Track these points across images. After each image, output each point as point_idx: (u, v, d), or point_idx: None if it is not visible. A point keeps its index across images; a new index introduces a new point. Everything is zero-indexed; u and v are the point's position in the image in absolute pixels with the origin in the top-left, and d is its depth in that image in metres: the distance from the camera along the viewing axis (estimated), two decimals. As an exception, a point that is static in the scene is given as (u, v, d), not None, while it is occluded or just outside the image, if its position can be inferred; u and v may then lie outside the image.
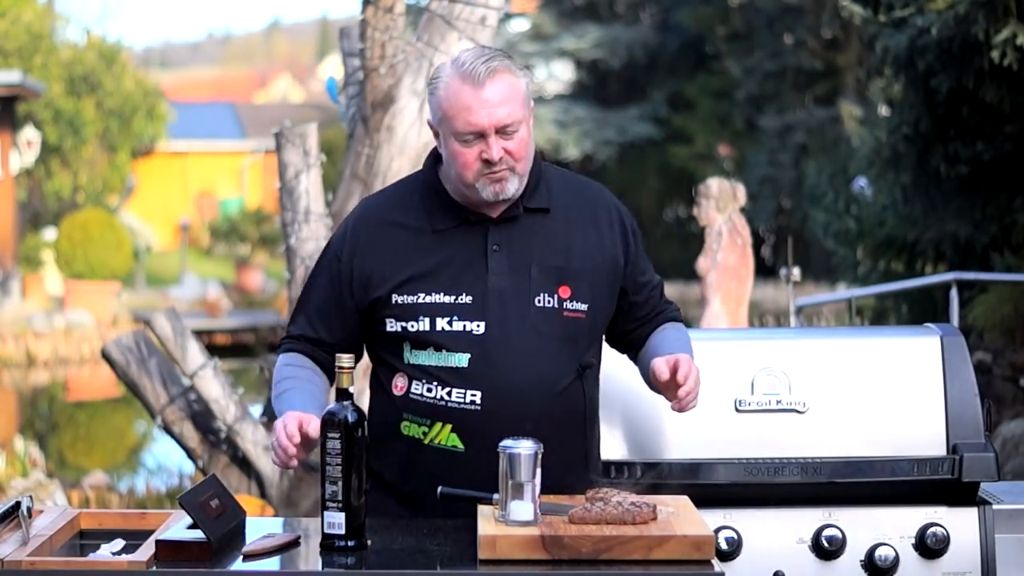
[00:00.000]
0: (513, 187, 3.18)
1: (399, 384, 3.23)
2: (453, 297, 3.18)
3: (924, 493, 3.64)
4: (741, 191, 8.24)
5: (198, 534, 2.91)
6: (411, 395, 3.21)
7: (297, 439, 3.07)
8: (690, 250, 14.48)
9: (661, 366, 3.16)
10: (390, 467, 3.26)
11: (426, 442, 3.20)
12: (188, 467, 9.78)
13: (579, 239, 3.26)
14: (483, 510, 3.00)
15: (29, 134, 26.25)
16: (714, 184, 8.25)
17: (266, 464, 6.87)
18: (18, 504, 3.06)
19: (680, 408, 3.20)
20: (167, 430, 7.00)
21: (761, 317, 14.85)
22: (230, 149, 37.08)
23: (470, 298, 3.17)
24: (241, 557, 2.91)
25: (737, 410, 3.66)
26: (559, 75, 32.97)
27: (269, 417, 7.05)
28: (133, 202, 33.37)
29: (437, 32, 6.86)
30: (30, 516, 3.06)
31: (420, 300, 3.18)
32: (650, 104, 30.91)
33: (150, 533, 3.04)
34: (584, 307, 3.23)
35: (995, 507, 3.62)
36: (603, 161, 31.02)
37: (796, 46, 27.87)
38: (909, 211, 12.03)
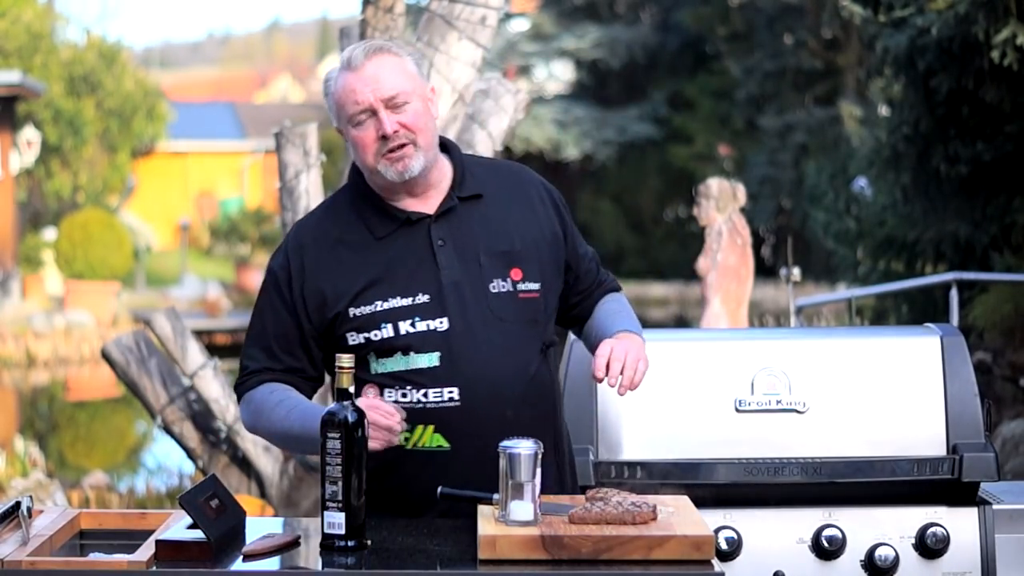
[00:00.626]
0: (417, 164, 3.18)
1: (370, 395, 3.20)
2: (411, 299, 3.17)
3: (924, 493, 3.64)
4: (741, 191, 8.24)
5: (198, 534, 2.91)
6: (386, 402, 3.17)
7: (402, 412, 3.05)
8: (690, 250, 14.48)
9: (596, 365, 3.15)
10: (374, 480, 3.18)
11: (409, 447, 3.18)
12: (188, 467, 9.78)
13: (517, 220, 3.27)
14: (483, 510, 2.99)
15: (29, 134, 26.25)
16: (714, 184, 8.25)
17: (266, 464, 6.87)
18: (18, 504, 3.06)
19: (623, 389, 3.16)
20: (167, 430, 7.00)
21: (761, 317, 14.85)
22: (230, 149, 37.09)
23: (427, 296, 3.17)
24: (241, 557, 2.91)
25: (737, 410, 3.66)
26: (559, 75, 32.97)
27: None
28: (133, 202, 33.38)
29: (437, 32, 6.86)
30: (30, 516, 3.06)
31: (379, 308, 3.17)
32: (650, 104, 30.92)
33: (150, 533, 3.04)
34: (537, 286, 3.25)
35: (995, 507, 3.63)
36: (603, 161, 31.03)
37: (796, 46, 27.87)
38: (909, 211, 12.03)
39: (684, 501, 3.10)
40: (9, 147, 24.74)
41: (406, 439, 3.18)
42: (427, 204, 3.24)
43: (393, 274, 3.19)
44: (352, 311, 3.18)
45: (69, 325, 21.15)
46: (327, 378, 3.36)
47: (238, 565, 2.87)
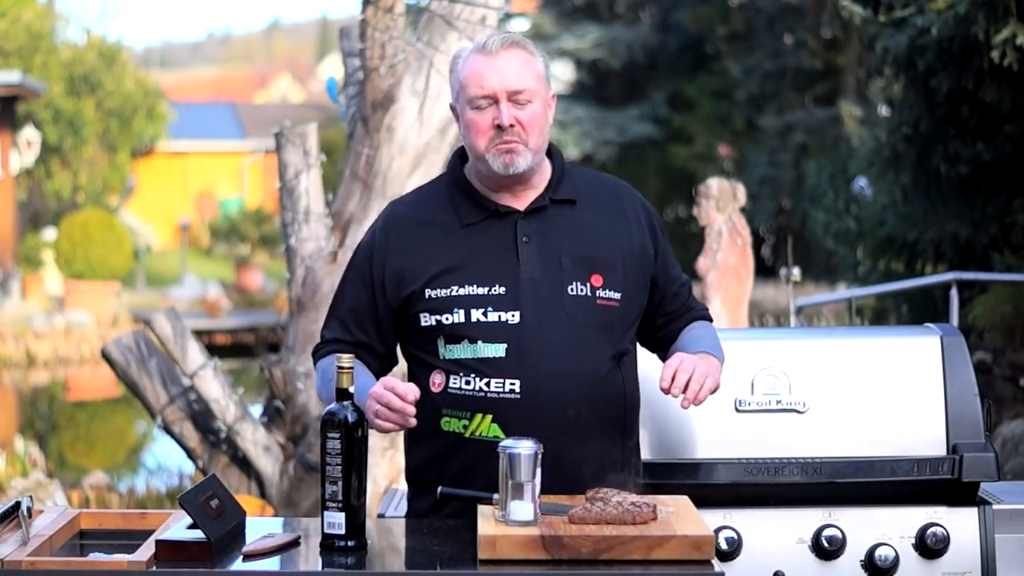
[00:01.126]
0: (524, 162, 3.22)
1: (436, 381, 3.24)
2: (487, 288, 3.21)
3: (924, 493, 3.64)
4: (741, 191, 8.25)
5: (198, 534, 2.91)
6: (449, 390, 3.22)
7: (415, 393, 3.07)
8: (690, 250, 14.46)
9: (663, 375, 3.17)
10: (430, 465, 3.27)
11: (467, 435, 3.21)
12: (188, 467, 9.78)
13: (607, 229, 3.30)
14: (483, 510, 3.00)
15: (29, 134, 26.25)
16: (714, 184, 8.25)
17: (266, 464, 6.87)
18: (18, 504, 3.06)
19: (686, 403, 3.17)
20: (167, 430, 7.00)
21: (761, 317, 14.85)
22: (230, 149, 37.08)
23: (503, 289, 3.20)
24: (241, 557, 2.91)
25: (737, 410, 3.66)
26: (559, 75, 32.95)
27: (269, 417, 7.05)
28: (133, 202, 33.37)
29: (437, 32, 6.86)
30: (30, 516, 3.07)
31: (454, 292, 3.21)
32: (650, 104, 30.90)
33: (150, 533, 3.04)
34: (617, 296, 3.26)
35: (995, 507, 3.63)
36: (603, 161, 31.03)
37: (796, 46, 27.86)
38: (909, 211, 12.03)
39: (684, 501, 3.10)
40: (9, 147, 24.74)
41: (464, 427, 3.21)
42: (519, 201, 3.29)
43: (473, 262, 3.23)
44: (428, 292, 3.23)
45: (69, 325, 21.15)
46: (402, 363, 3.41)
47: (238, 565, 2.87)
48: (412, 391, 3.07)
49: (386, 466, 6.85)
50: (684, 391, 3.14)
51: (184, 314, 8.20)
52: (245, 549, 2.93)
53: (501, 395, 3.18)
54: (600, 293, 3.24)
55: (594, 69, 31.94)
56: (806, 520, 3.62)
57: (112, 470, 11.99)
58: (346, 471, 2.92)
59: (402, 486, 6.77)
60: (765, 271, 21.62)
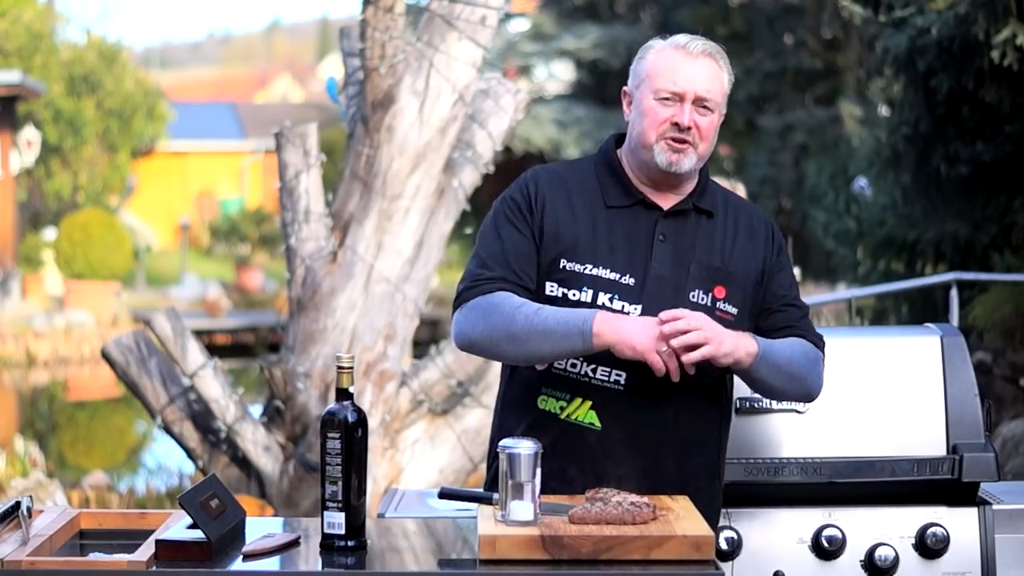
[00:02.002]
0: (688, 164, 3.25)
1: None
2: (618, 275, 3.22)
3: (924, 493, 3.64)
4: (741, 191, 8.24)
5: (198, 534, 2.91)
6: (554, 369, 3.21)
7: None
8: (690, 250, 14.41)
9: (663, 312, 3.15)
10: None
11: (562, 417, 3.21)
12: (188, 467, 9.78)
13: (737, 246, 3.31)
14: (483, 510, 2.99)
15: (29, 134, 26.24)
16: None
17: (266, 464, 6.87)
18: (18, 504, 3.06)
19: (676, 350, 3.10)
20: (167, 430, 7.00)
21: (761, 317, 14.82)
22: (230, 149, 37.07)
23: (632, 280, 3.21)
24: (241, 557, 2.91)
25: (737, 410, 3.66)
26: (559, 75, 32.95)
27: (269, 417, 7.05)
28: (133, 202, 33.36)
29: (437, 32, 6.86)
30: (30, 516, 3.07)
31: (588, 270, 3.22)
32: (650, 104, 30.87)
33: (150, 533, 3.04)
34: (735, 311, 3.27)
35: (995, 507, 3.63)
36: (603, 161, 30.98)
37: (796, 46, 27.86)
38: (909, 211, 12.03)
39: (684, 501, 3.10)
40: (9, 147, 24.73)
41: (561, 408, 3.21)
42: (663, 200, 3.30)
43: (611, 245, 3.24)
44: (563, 262, 3.23)
45: (69, 325, 21.14)
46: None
47: (238, 565, 2.87)
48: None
49: (386, 466, 6.85)
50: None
51: (184, 314, 8.20)
52: (245, 549, 2.93)
53: (605, 384, 3.19)
54: (720, 305, 3.25)
55: (594, 69, 31.93)
56: (806, 520, 3.62)
57: (112, 470, 11.99)
58: (346, 471, 2.92)
59: (402, 486, 6.78)
60: (765, 271, 21.54)
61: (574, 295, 3.21)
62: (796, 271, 8.36)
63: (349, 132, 7.06)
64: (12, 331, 20.63)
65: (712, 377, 3.24)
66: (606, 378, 3.19)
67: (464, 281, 3.26)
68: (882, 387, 3.71)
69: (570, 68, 32.73)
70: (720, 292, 3.26)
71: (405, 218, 6.93)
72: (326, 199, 7.00)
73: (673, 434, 3.21)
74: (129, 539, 3.10)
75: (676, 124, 3.23)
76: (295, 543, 3.01)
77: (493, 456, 3.31)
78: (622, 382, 3.18)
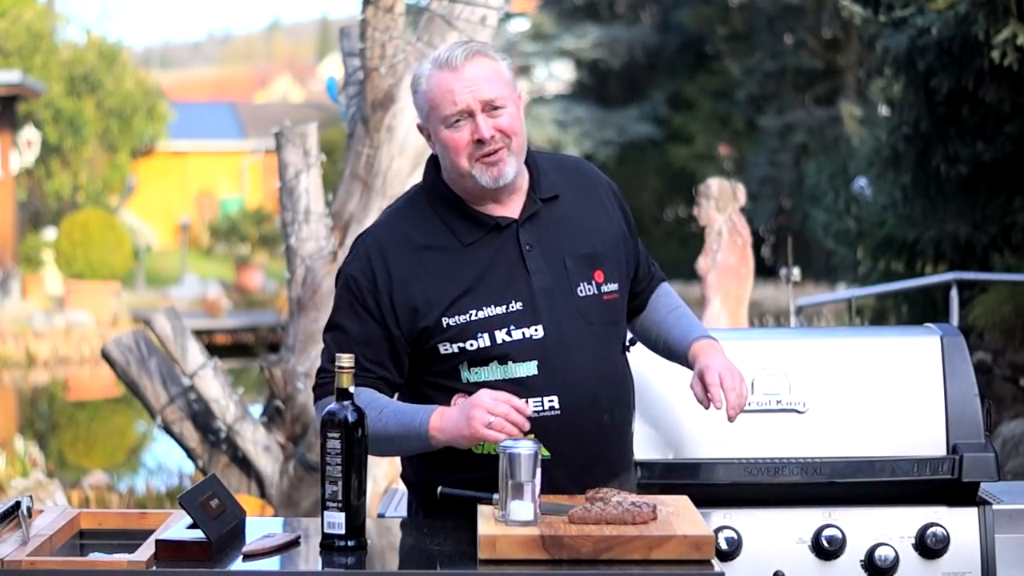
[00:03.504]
0: (511, 170, 3.14)
1: (459, 403, 3.09)
2: (504, 307, 3.12)
3: (924, 493, 3.64)
4: (741, 191, 8.24)
5: (198, 534, 2.91)
6: None
7: (523, 408, 3.00)
8: (690, 250, 14.47)
9: (702, 393, 3.18)
10: (468, 485, 3.12)
11: None
12: (188, 467, 9.78)
13: (593, 220, 3.25)
14: (483, 510, 2.99)
15: (29, 134, 26.24)
16: (714, 184, 8.24)
17: (266, 464, 6.87)
18: (18, 504, 3.06)
19: (733, 413, 3.18)
20: (167, 430, 7.00)
21: (761, 317, 14.85)
22: (230, 149, 37.08)
23: (520, 303, 3.12)
24: (241, 557, 2.91)
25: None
26: (559, 75, 32.96)
27: (269, 417, 7.05)
28: (133, 202, 33.36)
29: (437, 32, 6.86)
30: (30, 516, 3.07)
31: (474, 317, 3.10)
32: (650, 104, 30.90)
33: (150, 533, 3.04)
34: (616, 287, 3.24)
35: (995, 507, 3.62)
36: (603, 161, 31.02)
37: (796, 46, 27.86)
38: (909, 211, 12.03)
39: (684, 501, 3.10)
40: (9, 147, 24.73)
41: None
42: (509, 208, 3.20)
43: (485, 282, 3.12)
44: (446, 320, 3.10)
45: (69, 325, 21.14)
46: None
47: (238, 565, 2.87)
48: (512, 398, 3.00)
49: (386, 466, 6.85)
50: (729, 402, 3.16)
51: (184, 314, 8.20)
52: (245, 549, 2.93)
53: (541, 414, 3.11)
54: (604, 288, 3.21)
55: (594, 69, 31.94)
56: (806, 520, 3.62)
57: (112, 470, 11.99)
58: (346, 471, 2.91)
59: (402, 486, 6.77)
60: (765, 271, 21.62)
61: (471, 345, 3.10)
62: (796, 271, 8.37)
63: (349, 132, 7.06)
64: (12, 331, 20.63)
65: (621, 367, 3.24)
66: (540, 407, 3.11)
67: (317, 374, 3.20)
68: (882, 387, 3.70)
69: (570, 68, 32.74)
70: (599, 276, 3.21)
71: (405, 218, 6.92)
72: (326, 199, 7.00)
73: (612, 435, 3.19)
74: (129, 539, 3.10)
75: (479, 141, 3.10)
76: (295, 543, 3.01)
77: (420, 493, 3.23)
78: (556, 406, 3.12)
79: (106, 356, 7.02)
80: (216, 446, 6.97)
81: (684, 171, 29.59)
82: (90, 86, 28.64)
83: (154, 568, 2.86)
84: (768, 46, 27.95)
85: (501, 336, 3.11)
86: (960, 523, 3.60)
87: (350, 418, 2.93)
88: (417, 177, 7.09)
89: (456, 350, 3.12)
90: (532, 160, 3.26)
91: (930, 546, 3.57)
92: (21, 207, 26.13)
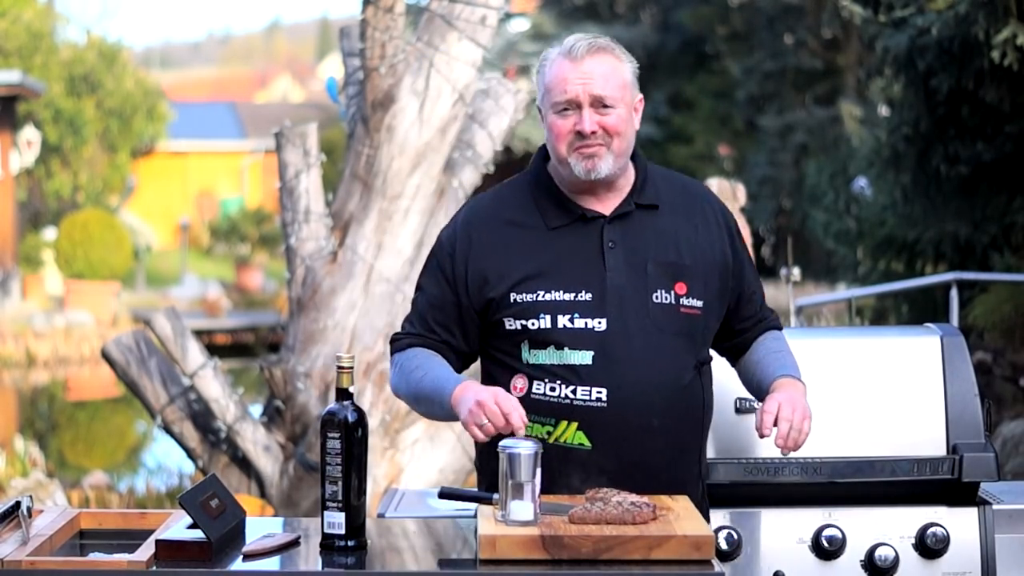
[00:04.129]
0: (606, 166, 3.20)
1: (518, 385, 3.20)
2: (573, 294, 3.18)
3: (924, 493, 3.64)
4: (741, 191, 8.24)
5: (198, 534, 2.91)
6: (532, 395, 3.18)
7: (516, 407, 3.03)
8: (690, 250, 14.40)
9: (759, 420, 3.19)
10: None
11: (551, 441, 3.18)
12: (188, 467, 9.78)
13: (689, 236, 3.29)
14: (483, 510, 2.99)
15: (29, 134, 26.24)
16: (714, 184, 8.23)
17: (266, 464, 6.87)
18: (18, 504, 3.06)
19: (786, 449, 3.19)
20: (167, 430, 7.00)
21: (761, 317, 14.82)
22: (230, 149, 37.08)
23: (590, 295, 3.18)
24: (241, 557, 2.91)
25: (737, 410, 3.66)
26: (559, 75, 32.93)
27: (269, 417, 7.05)
28: (133, 202, 33.37)
29: (437, 32, 6.86)
30: (30, 516, 3.07)
31: (540, 297, 3.18)
32: (650, 104, 30.87)
33: (150, 533, 3.04)
34: (699, 304, 3.25)
35: (995, 507, 3.62)
36: (603, 161, 30.98)
37: (796, 46, 27.85)
38: (909, 211, 12.03)
39: (684, 501, 3.10)
40: (9, 147, 24.73)
41: (548, 433, 3.18)
42: (604, 205, 3.26)
43: (559, 267, 3.20)
44: (513, 296, 3.20)
45: (69, 325, 21.14)
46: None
47: (238, 565, 2.87)
48: (517, 410, 3.02)
49: (386, 466, 6.85)
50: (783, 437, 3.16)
51: (184, 314, 8.20)
52: (245, 549, 2.93)
53: (587, 403, 3.16)
54: (684, 301, 3.23)
55: (594, 69, 31.88)
56: (806, 520, 3.62)
57: (112, 470, 11.99)
58: (346, 471, 2.92)
59: (402, 486, 6.78)
60: (765, 271, 21.62)
61: (533, 324, 3.18)
62: (796, 271, 8.38)
63: (349, 132, 7.06)
64: (12, 331, 20.63)
65: (687, 379, 3.24)
66: (587, 397, 3.16)
67: (396, 332, 3.34)
68: (882, 387, 3.70)
69: (570, 68, 32.67)
70: (681, 288, 3.23)
71: (405, 218, 6.93)
72: (326, 199, 7.00)
73: (660, 441, 3.19)
74: (129, 539, 3.10)
75: (579, 132, 3.19)
76: (295, 543, 3.01)
77: (484, 471, 3.30)
78: (604, 399, 3.16)
79: (106, 356, 7.02)
80: (216, 446, 6.97)
81: (684, 171, 29.47)
82: (90, 86, 28.64)
83: (154, 568, 2.86)
84: (768, 46, 27.94)
85: (563, 322, 3.17)
86: (960, 523, 3.60)
87: (350, 418, 2.93)
88: (417, 177, 7.13)
89: (519, 327, 3.19)
90: (644, 168, 3.33)
91: (930, 546, 3.57)
92: (21, 207, 26.13)
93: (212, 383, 6.86)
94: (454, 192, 7.03)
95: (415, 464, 6.94)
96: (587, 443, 3.16)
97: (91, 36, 30.38)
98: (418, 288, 3.33)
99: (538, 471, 2.93)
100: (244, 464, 6.94)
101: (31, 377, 19.75)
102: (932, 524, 3.58)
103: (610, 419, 3.16)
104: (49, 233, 26.19)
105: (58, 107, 27.53)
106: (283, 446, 6.94)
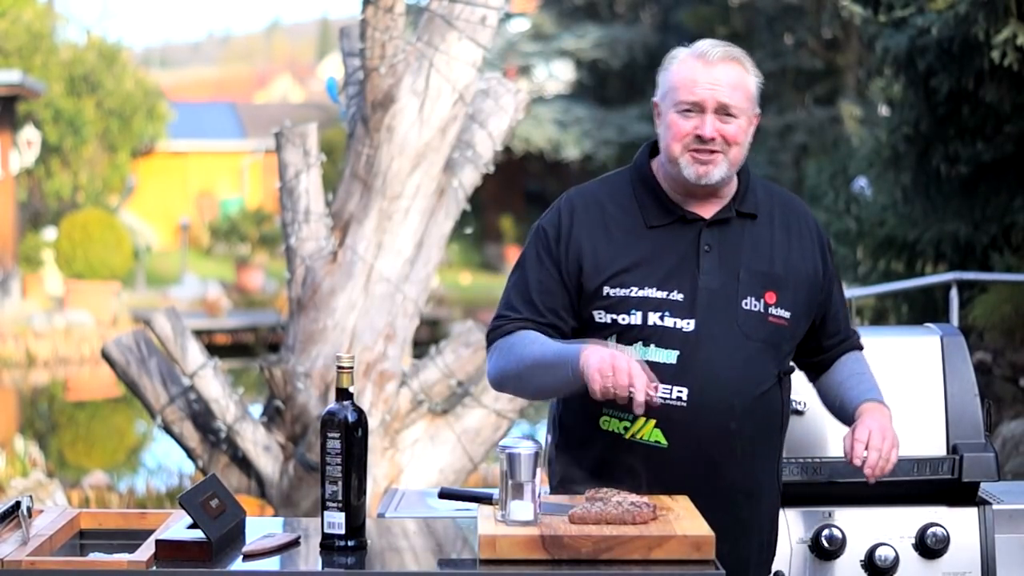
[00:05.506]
0: (718, 174, 3.23)
1: (611, 343, 3.21)
2: (665, 293, 3.20)
3: (924, 493, 3.64)
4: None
5: (198, 534, 2.91)
6: None
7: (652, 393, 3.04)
8: (690, 250, 14.40)
9: (850, 447, 3.23)
10: (587, 463, 3.26)
11: (627, 437, 3.20)
12: (188, 467, 9.78)
13: (784, 248, 3.31)
14: (483, 510, 2.99)
15: (29, 134, 26.23)
16: (714, 184, 8.24)
17: (266, 464, 6.87)
18: (18, 504, 3.06)
19: (873, 477, 3.23)
20: (167, 430, 7.00)
21: (761, 317, 14.82)
22: (230, 149, 37.06)
23: (681, 295, 3.20)
24: (241, 557, 2.91)
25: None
26: (559, 75, 32.96)
27: (269, 417, 7.05)
28: (133, 202, 33.35)
29: (437, 32, 6.86)
30: (30, 516, 3.07)
31: (633, 293, 3.20)
32: (650, 104, 30.90)
33: (150, 533, 3.04)
34: (787, 315, 3.27)
35: (995, 507, 3.63)
36: (603, 161, 31.04)
37: (796, 46, 27.86)
38: (909, 211, 12.03)
39: (684, 501, 3.10)
40: (9, 147, 24.72)
41: (625, 428, 3.20)
42: (705, 209, 3.28)
43: (654, 265, 3.22)
44: (607, 289, 3.22)
45: (69, 325, 21.13)
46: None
47: (238, 565, 2.87)
48: (642, 378, 3.02)
49: (386, 466, 6.85)
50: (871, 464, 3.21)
51: (184, 314, 8.20)
52: (245, 549, 2.93)
53: (667, 401, 3.17)
54: (772, 310, 3.25)
55: (594, 69, 31.93)
56: (806, 520, 3.62)
57: (112, 470, 11.99)
58: (346, 471, 2.92)
59: (402, 486, 6.78)
60: (765, 271, 21.57)
61: (623, 319, 3.20)
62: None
63: (349, 132, 7.06)
64: (12, 331, 20.63)
65: (767, 386, 3.25)
66: (668, 395, 3.17)
67: (493, 320, 3.33)
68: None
69: (570, 68, 32.74)
70: (771, 297, 3.26)
71: (405, 218, 6.93)
72: (326, 199, 6.99)
73: (737, 444, 3.21)
74: (129, 539, 3.10)
75: (699, 136, 3.21)
76: (295, 543, 3.01)
77: (566, 487, 3.30)
78: (684, 398, 3.18)
79: (106, 356, 7.02)
80: (216, 446, 6.97)
81: (684, 171, 29.57)
82: (90, 86, 28.63)
83: (154, 568, 2.86)
84: (768, 46, 27.94)
85: (654, 319, 3.19)
86: (960, 523, 3.60)
87: (350, 418, 2.93)
88: (417, 177, 7.12)
89: (609, 321, 3.21)
90: (747, 177, 3.35)
91: (930, 546, 3.57)
92: (21, 207, 26.12)
93: (212, 383, 6.86)
94: (454, 192, 7.03)
95: (415, 464, 6.94)
96: (663, 441, 3.18)
97: (91, 36, 30.36)
98: (518, 274, 3.31)
99: (538, 471, 2.93)
100: (244, 464, 6.94)
101: (31, 377, 19.74)
102: (932, 524, 3.58)
103: (687, 418, 3.18)
104: (49, 233, 26.17)
105: (58, 107, 27.52)
106: (283, 446, 6.94)
